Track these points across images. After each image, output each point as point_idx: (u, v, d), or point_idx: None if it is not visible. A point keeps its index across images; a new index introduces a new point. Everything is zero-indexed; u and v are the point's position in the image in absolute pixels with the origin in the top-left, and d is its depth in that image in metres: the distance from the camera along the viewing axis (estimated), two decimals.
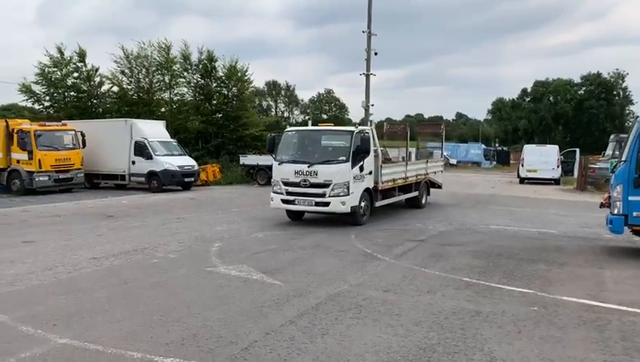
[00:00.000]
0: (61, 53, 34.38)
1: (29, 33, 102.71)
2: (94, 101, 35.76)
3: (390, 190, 15.21)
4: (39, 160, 21.83)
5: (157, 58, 36.31)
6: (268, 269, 8.40)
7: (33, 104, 34.65)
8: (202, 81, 37.04)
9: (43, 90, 34.04)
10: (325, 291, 7.19)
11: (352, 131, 13.21)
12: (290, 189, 13.00)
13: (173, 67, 36.63)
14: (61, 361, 4.93)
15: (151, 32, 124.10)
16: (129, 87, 36.46)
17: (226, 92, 37.08)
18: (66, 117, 29.31)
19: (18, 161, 22.26)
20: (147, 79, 36.50)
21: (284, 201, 13.21)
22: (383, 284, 7.62)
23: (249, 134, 35.00)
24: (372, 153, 13.54)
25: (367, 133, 13.76)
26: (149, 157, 23.88)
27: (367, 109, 29.58)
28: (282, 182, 13.21)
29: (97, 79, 35.77)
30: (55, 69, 34.36)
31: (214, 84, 37.22)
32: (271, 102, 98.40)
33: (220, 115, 36.86)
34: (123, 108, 34.14)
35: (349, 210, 12.76)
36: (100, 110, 35.11)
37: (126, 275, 8.09)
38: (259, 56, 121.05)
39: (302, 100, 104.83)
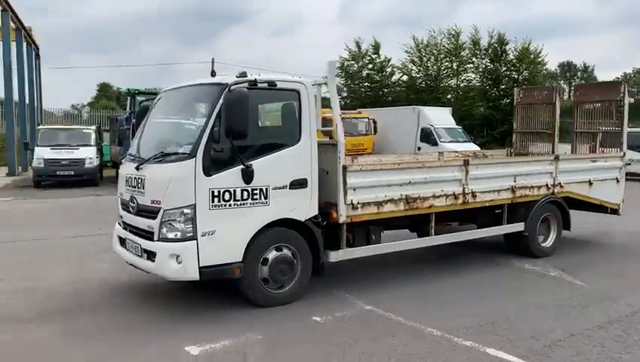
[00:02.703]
0: (358, 47, 37.93)
1: (331, 30, 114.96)
2: (385, 90, 38.40)
3: (389, 221, 6.79)
4: None
5: (446, 45, 36.99)
6: (567, 267, 7.76)
7: None
8: (491, 66, 36.37)
9: (342, 82, 38.13)
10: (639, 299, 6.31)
11: (223, 85, 5.51)
12: (124, 215, 6.29)
13: (462, 53, 36.77)
14: (360, 321, 5.42)
15: (440, 20, 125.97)
16: (417, 75, 37.95)
17: (516, 76, 35.60)
18: (360, 106, 31.99)
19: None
20: (435, 67, 37.49)
21: (120, 240, 6.35)
22: None
23: None
24: (308, 138, 5.96)
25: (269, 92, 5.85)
26: (435, 143, 24.16)
27: None
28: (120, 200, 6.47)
29: (389, 69, 38.41)
30: (353, 62, 38.04)
31: (504, 68, 36.21)
32: (564, 86, 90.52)
33: (507, 101, 35.58)
34: (410, 96, 35.70)
35: (196, 276, 5.35)
36: (390, 98, 37.44)
37: None
38: (551, 36, 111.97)
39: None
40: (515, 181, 7.77)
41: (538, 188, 8.09)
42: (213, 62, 37.84)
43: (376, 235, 6.73)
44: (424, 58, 38.26)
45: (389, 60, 38.58)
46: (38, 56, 28.59)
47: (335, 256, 6.23)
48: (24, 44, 24.43)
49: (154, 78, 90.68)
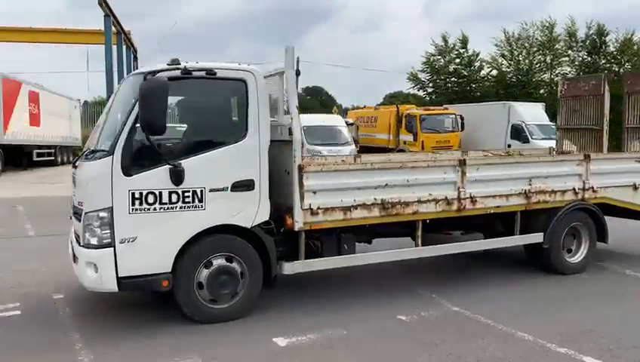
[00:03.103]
0: (445, 41, 36.69)
1: (416, 25, 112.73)
2: (473, 85, 36.87)
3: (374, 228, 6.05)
4: (422, 141, 23.17)
5: (539, 38, 34.89)
6: None
7: (418, 90, 38.24)
8: (589, 59, 33.72)
9: (427, 78, 37.18)
10: None
11: (144, 74, 4.93)
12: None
13: (556, 46, 34.47)
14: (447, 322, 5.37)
15: (532, 12, 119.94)
16: (508, 69, 36.08)
17: (616, 68, 32.67)
18: (446, 101, 30.96)
19: (404, 142, 24.16)
20: (527, 60, 35.53)
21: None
22: None
23: None
24: (256, 134, 5.25)
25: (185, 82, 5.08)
26: (526, 140, 22.68)
27: None
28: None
29: (477, 64, 36.89)
30: (439, 57, 36.93)
31: (603, 61, 33.44)
32: None
33: None
34: (500, 91, 34.02)
35: (113, 287, 4.81)
36: (478, 94, 35.86)
37: None
38: None
39: None
40: (530, 184, 6.63)
41: (562, 193, 6.88)
42: (298, 61, 37.69)
43: (349, 245, 5.90)
44: (515, 52, 36.29)
45: (478, 54, 36.94)
46: (135, 58, 29.59)
47: (290, 269, 5.50)
48: (124, 47, 25.32)
49: None
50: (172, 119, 6.03)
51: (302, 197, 5.35)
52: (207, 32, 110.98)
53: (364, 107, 31.58)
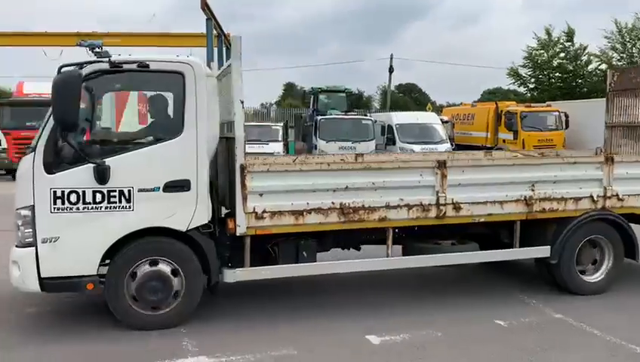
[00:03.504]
0: (549, 34, 34.40)
1: (516, 19, 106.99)
2: (579, 81, 34.40)
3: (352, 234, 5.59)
4: (523, 140, 21.88)
5: None
6: None
7: (519, 87, 36.28)
8: None
9: (529, 73, 35.13)
10: None
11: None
12: None
13: None
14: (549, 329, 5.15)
15: None
16: (619, 63, 33.22)
17: None
18: (549, 98, 29.15)
19: (504, 141, 22.89)
20: None
21: None
22: None
23: None
24: (193, 130, 4.88)
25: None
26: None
27: None
28: None
29: (584, 58, 34.29)
30: (542, 51, 34.70)
31: None
32: None
33: None
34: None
35: (35, 288, 4.68)
36: (585, 90, 33.35)
37: None
38: None
39: None
40: (532, 190, 5.75)
41: (575, 200, 5.93)
42: (391, 58, 37.21)
43: (308, 252, 5.39)
44: (628, 44, 33.26)
45: (585, 48, 34.22)
46: None
47: (231, 276, 5.11)
48: (224, 49, 26.39)
49: (337, 76, 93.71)
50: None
51: (245, 200, 4.94)
52: (304, 32, 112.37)
53: (461, 104, 30.39)
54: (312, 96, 24.20)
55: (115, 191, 4.70)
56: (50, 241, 4.61)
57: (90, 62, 4.67)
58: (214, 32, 24.15)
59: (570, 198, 5.90)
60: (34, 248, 4.61)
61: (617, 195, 6.05)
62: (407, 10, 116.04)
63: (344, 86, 25.03)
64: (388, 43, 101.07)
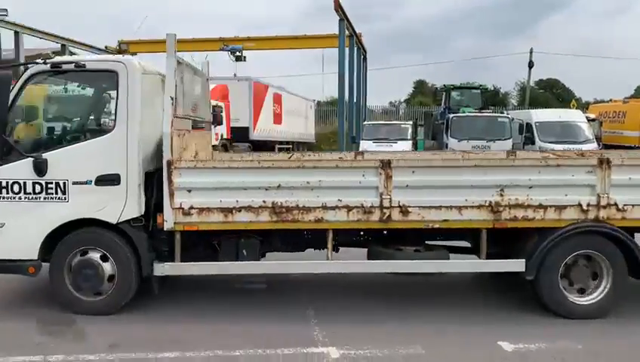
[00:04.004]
0: None
1: None
2: None
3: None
4: None
5: None
6: None
7: None
8: None
9: None
10: None
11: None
12: None
13: None
14: None
15: None
16: None
17: None
18: None
19: None
20: None
21: None
22: None
23: None
24: (124, 127, 5.06)
25: None
26: None
27: None
28: None
29: None
30: None
31: None
32: None
33: None
34: None
35: None
36: None
37: None
38: None
39: None
40: (501, 195, 5.11)
41: (558, 209, 5.15)
42: (531, 52, 35.21)
43: (249, 251, 5.34)
44: None
45: None
46: (365, 59, 31.18)
47: (160, 270, 5.22)
48: (355, 49, 27.05)
49: (470, 73, 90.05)
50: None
51: (171, 195, 5.05)
52: (430, 28, 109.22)
53: (610, 101, 27.70)
54: (444, 94, 23.92)
55: (52, 183, 5.06)
56: None
57: (31, 64, 5.08)
58: (346, 32, 24.51)
59: (551, 206, 5.12)
60: None
61: (616, 205, 5.13)
62: (546, 1, 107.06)
63: (478, 82, 24.26)
64: (525, 37, 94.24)
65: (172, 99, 5.07)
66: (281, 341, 4.70)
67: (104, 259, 5.19)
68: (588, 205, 5.13)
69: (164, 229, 5.09)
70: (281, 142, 26.47)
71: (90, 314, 5.20)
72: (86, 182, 5.08)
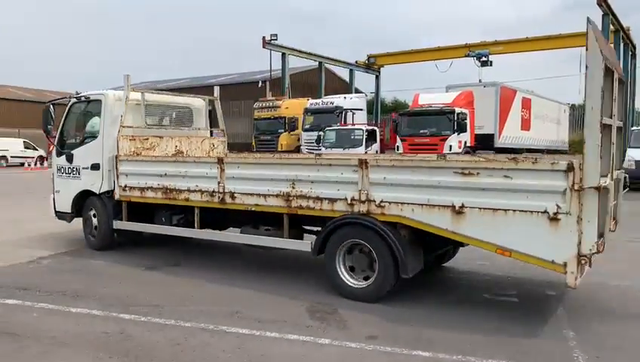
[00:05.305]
0: None
1: None
2: None
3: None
4: None
5: None
6: None
7: None
8: None
9: None
10: None
11: None
12: None
13: None
14: None
15: None
16: None
17: None
18: None
19: None
20: None
21: None
22: None
23: None
24: (101, 135, 8.30)
25: None
26: None
27: None
28: None
29: None
30: None
31: None
32: None
33: None
34: None
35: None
36: None
37: None
38: None
39: None
40: (292, 187, 6.38)
41: (331, 201, 6.06)
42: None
43: (165, 218, 7.87)
44: None
45: None
46: (634, 55, 27.08)
47: (115, 224, 8.25)
48: (621, 45, 24.22)
49: None
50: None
51: (117, 178, 8.00)
52: None
53: None
54: None
55: (75, 168, 8.62)
56: (57, 192, 8.99)
57: (65, 98, 8.79)
58: (611, 27, 22.56)
59: (326, 199, 6.04)
60: (52, 195, 9.09)
61: (374, 201, 5.76)
62: None
63: None
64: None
65: (121, 117, 8.05)
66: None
67: (93, 213, 8.44)
68: (352, 199, 5.85)
69: (116, 199, 8.10)
70: (529, 150, 24.03)
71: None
72: (86, 168, 8.44)
